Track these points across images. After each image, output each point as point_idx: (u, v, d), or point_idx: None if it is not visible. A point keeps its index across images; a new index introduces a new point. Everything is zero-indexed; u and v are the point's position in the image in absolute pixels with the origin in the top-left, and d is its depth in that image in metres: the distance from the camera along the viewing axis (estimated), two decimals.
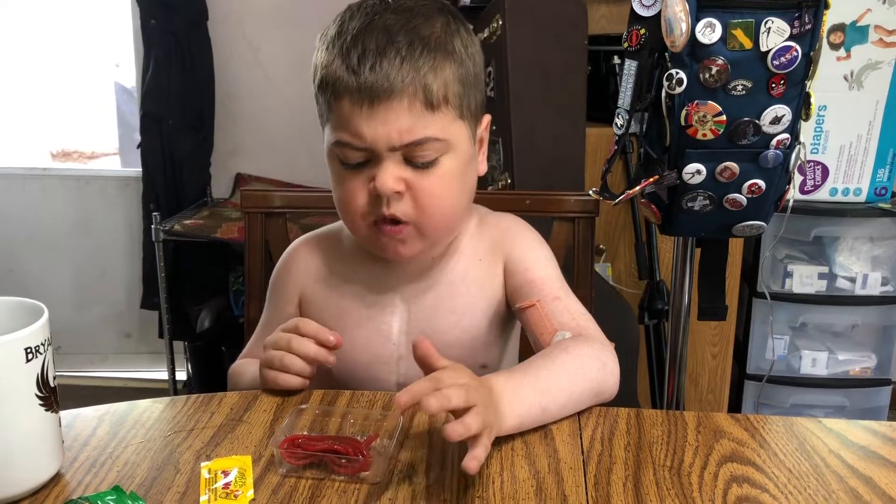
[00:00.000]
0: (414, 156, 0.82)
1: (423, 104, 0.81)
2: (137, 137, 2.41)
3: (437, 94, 0.81)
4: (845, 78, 1.89)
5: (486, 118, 0.91)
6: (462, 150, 0.86)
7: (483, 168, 0.92)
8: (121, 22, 2.52)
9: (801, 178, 1.96)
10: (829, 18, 1.85)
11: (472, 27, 1.95)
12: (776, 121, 1.00)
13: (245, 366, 1.00)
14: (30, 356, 0.65)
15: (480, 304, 0.95)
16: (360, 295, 0.96)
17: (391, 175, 0.82)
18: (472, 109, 0.87)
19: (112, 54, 2.77)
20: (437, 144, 0.83)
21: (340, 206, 0.89)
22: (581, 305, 0.92)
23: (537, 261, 0.95)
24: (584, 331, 0.87)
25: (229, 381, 1.00)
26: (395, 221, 0.85)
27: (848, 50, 1.87)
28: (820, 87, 1.93)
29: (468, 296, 0.95)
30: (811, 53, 0.98)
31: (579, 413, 0.82)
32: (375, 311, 0.95)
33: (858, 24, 1.85)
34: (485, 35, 1.82)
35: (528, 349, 1.05)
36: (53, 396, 0.68)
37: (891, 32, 1.85)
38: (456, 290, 0.95)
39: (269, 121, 2.46)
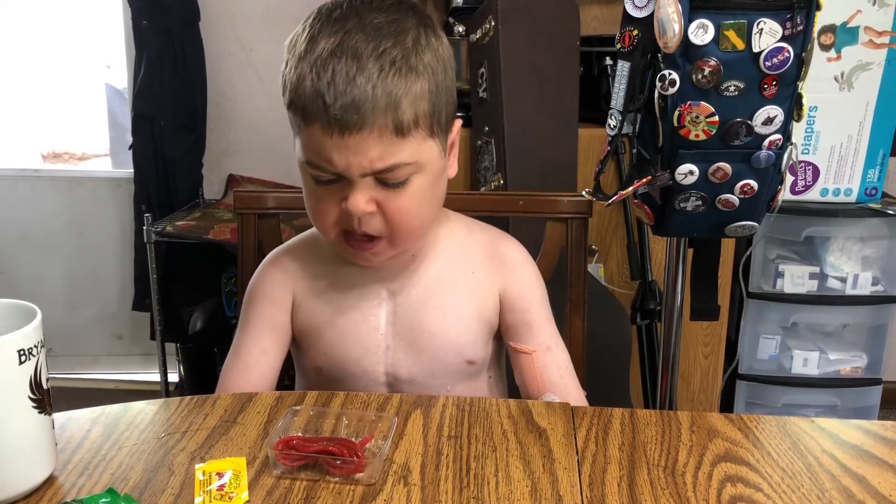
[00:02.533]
0: (385, 178, 0.83)
1: (394, 132, 0.81)
2: (129, 139, 2.40)
3: (407, 120, 0.81)
4: (836, 79, 1.90)
5: (457, 123, 0.91)
6: (432, 167, 0.87)
7: (453, 171, 0.93)
8: (112, 23, 2.51)
9: (793, 178, 1.97)
10: (820, 20, 1.86)
11: (463, 28, 1.95)
12: (768, 121, 1.00)
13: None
14: (23, 358, 0.64)
15: (469, 307, 0.97)
16: (346, 290, 0.97)
17: (363, 197, 0.83)
18: (442, 123, 0.86)
19: (103, 55, 2.76)
20: (408, 168, 0.83)
21: (312, 215, 0.90)
22: (566, 354, 1.01)
23: (535, 302, 1.00)
24: (567, 392, 0.97)
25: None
26: (367, 236, 0.87)
27: (838, 51, 1.88)
28: (811, 88, 1.94)
29: (458, 298, 0.97)
30: (803, 54, 0.98)
31: (573, 413, 0.83)
32: (363, 303, 0.96)
33: (849, 26, 1.87)
34: (477, 36, 1.82)
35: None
36: (47, 398, 0.68)
37: (881, 34, 1.86)
38: (444, 289, 0.96)
39: (261, 121, 2.46)
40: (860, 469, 0.74)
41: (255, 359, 0.98)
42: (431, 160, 0.86)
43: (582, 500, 0.68)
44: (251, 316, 1.00)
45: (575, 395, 0.98)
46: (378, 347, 0.96)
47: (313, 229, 1.03)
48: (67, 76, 2.85)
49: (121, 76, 2.62)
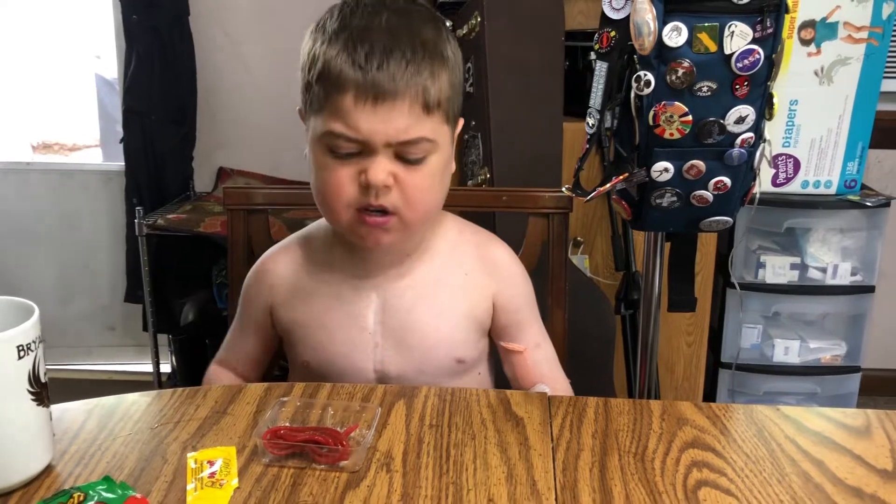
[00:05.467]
0: (405, 153, 0.86)
1: (422, 107, 0.85)
2: (119, 130, 2.41)
3: (433, 98, 0.86)
4: (816, 73, 1.93)
5: (461, 121, 0.96)
6: (445, 151, 0.91)
7: (453, 166, 0.97)
8: (102, 15, 2.52)
9: (774, 171, 2.01)
10: (800, 15, 1.89)
11: (451, 24, 1.97)
12: (740, 120, 1.03)
13: (220, 377, 1.06)
14: (22, 353, 0.68)
15: (462, 307, 0.99)
16: (335, 291, 0.99)
17: (383, 169, 0.86)
18: (454, 114, 0.92)
19: (93, 46, 2.77)
20: (428, 144, 0.87)
21: (323, 193, 0.90)
22: (552, 347, 1.06)
23: (525, 303, 1.04)
24: (556, 383, 1.02)
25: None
26: (382, 212, 0.88)
27: (818, 46, 1.91)
28: (791, 82, 1.97)
29: (451, 297, 0.99)
30: (773, 56, 1.01)
31: (550, 402, 0.86)
32: (351, 303, 0.98)
33: (828, 21, 1.90)
34: (464, 31, 1.84)
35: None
36: (45, 391, 0.71)
37: (859, 29, 1.89)
38: (438, 289, 0.98)
39: (250, 115, 2.47)
40: (819, 454, 0.78)
41: (236, 356, 1.06)
42: (445, 144, 0.91)
43: (555, 484, 0.72)
44: (240, 315, 1.06)
45: (562, 385, 1.03)
46: (366, 345, 0.97)
47: (305, 229, 1.05)
48: (57, 66, 2.85)
49: (111, 66, 2.63)
